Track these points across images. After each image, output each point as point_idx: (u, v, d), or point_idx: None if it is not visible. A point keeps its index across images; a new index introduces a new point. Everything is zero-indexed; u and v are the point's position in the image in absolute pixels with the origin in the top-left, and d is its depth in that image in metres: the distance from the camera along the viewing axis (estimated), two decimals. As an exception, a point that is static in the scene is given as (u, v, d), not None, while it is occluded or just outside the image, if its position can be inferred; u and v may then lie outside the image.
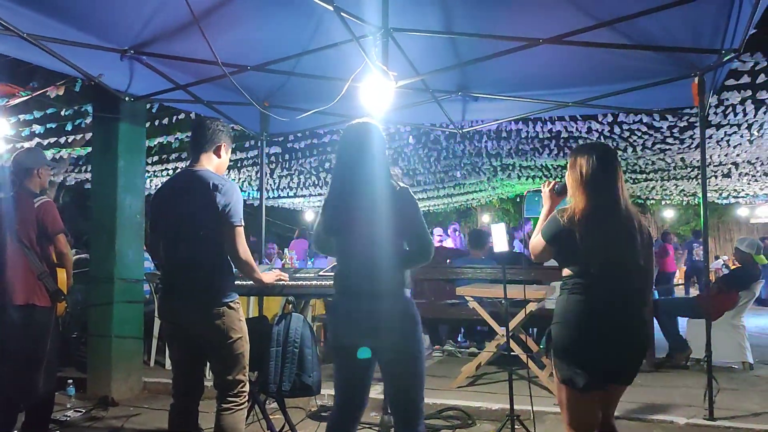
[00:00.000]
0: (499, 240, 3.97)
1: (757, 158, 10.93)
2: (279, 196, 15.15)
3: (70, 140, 8.93)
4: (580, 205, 2.54)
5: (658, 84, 4.57)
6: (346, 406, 2.70)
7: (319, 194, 15.11)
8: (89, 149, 8.17)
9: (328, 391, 4.64)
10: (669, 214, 23.63)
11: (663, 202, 19.64)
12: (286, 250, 10.34)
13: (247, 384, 3.03)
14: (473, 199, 18.86)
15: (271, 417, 3.79)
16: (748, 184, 13.93)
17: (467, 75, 5.01)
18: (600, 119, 8.46)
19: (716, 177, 12.76)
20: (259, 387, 3.65)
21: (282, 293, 3.90)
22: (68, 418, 4.57)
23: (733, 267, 10.32)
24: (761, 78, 6.23)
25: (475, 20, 4.21)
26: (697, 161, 10.50)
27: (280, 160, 11.39)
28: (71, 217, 11.21)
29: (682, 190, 15.48)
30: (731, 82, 6.29)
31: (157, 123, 8.22)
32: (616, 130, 8.88)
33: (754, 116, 7.71)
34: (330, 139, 9.82)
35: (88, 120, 7.71)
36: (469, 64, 4.49)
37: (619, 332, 2.50)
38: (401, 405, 2.60)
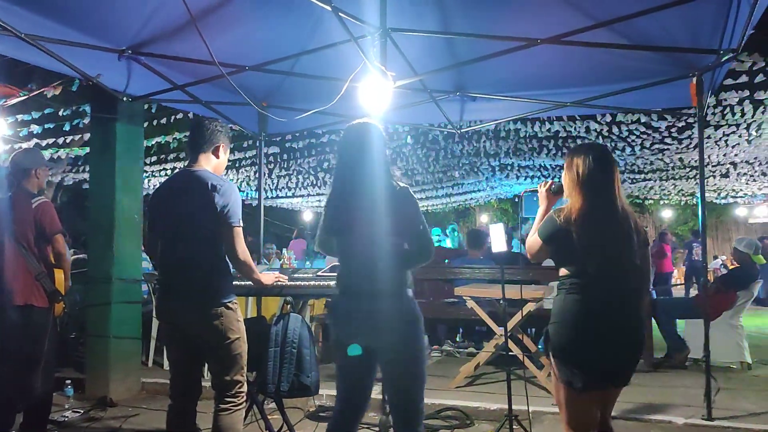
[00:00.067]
0: (498, 240, 3.97)
1: (755, 158, 10.96)
2: (277, 196, 15.15)
3: (68, 140, 8.91)
4: (576, 205, 2.54)
5: (656, 84, 4.57)
6: (348, 406, 2.70)
7: (318, 194, 15.11)
8: (87, 149, 8.17)
9: (326, 392, 4.65)
10: (667, 214, 23.65)
11: (661, 202, 19.65)
12: (284, 251, 10.34)
13: (245, 384, 3.03)
14: (472, 199, 18.87)
15: (269, 417, 3.79)
16: (747, 184, 13.95)
17: (465, 75, 5.01)
18: (599, 119, 8.47)
19: (714, 177, 12.78)
20: (258, 387, 3.65)
21: (280, 294, 3.90)
22: (66, 419, 4.56)
23: (731, 267, 10.32)
24: (759, 78, 6.24)
25: (473, 20, 4.21)
26: (696, 161, 10.49)
27: (279, 160, 11.39)
28: (69, 217, 11.20)
29: (681, 190, 15.49)
30: (729, 81, 6.30)
31: (155, 123, 8.22)
32: (615, 129, 8.89)
33: (753, 116, 7.72)
34: (329, 139, 9.82)
35: (86, 120, 7.71)
36: (467, 64, 4.49)
37: (617, 332, 2.50)
38: (401, 405, 2.60)
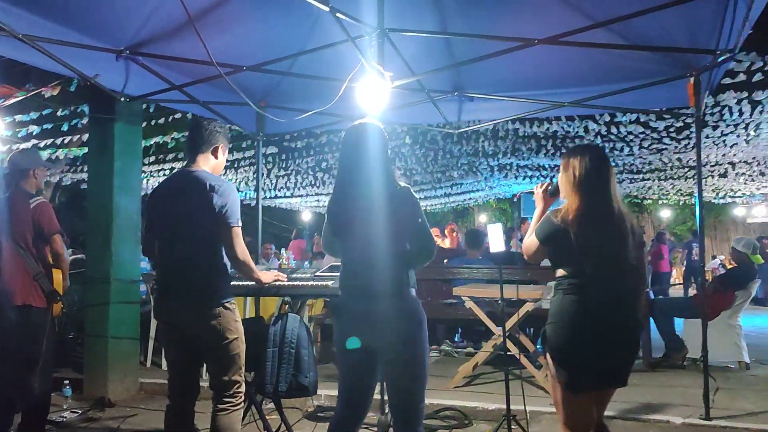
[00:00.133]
0: (496, 240, 3.97)
1: (753, 158, 10.98)
2: (276, 197, 15.16)
3: (66, 141, 8.92)
4: (573, 206, 2.55)
5: (654, 84, 4.57)
6: (350, 407, 2.68)
7: (317, 194, 15.12)
8: (85, 149, 8.16)
9: (324, 392, 4.66)
10: (666, 213, 23.70)
11: (660, 202, 19.68)
12: (283, 250, 10.35)
13: (243, 384, 3.03)
14: (470, 199, 18.88)
15: (267, 417, 3.79)
16: (745, 183, 13.98)
17: (463, 75, 5.01)
18: (597, 119, 8.48)
19: (713, 177, 12.81)
20: (256, 387, 3.65)
21: (278, 294, 3.90)
22: (64, 419, 4.55)
23: (729, 267, 10.34)
24: (758, 77, 6.24)
25: (470, 20, 4.21)
26: (694, 161, 10.53)
27: (277, 160, 11.39)
28: (67, 217, 11.20)
29: (679, 189, 15.52)
30: (728, 81, 6.30)
31: (153, 123, 8.22)
32: (613, 129, 8.89)
33: (751, 116, 7.73)
34: (327, 140, 9.82)
35: (85, 120, 7.70)
36: (464, 64, 4.49)
37: (614, 332, 2.51)
38: (401, 405, 2.59)
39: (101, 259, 5.22)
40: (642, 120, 8.37)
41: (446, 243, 9.51)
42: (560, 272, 2.61)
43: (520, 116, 6.19)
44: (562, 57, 4.45)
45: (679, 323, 6.30)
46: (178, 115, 8.35)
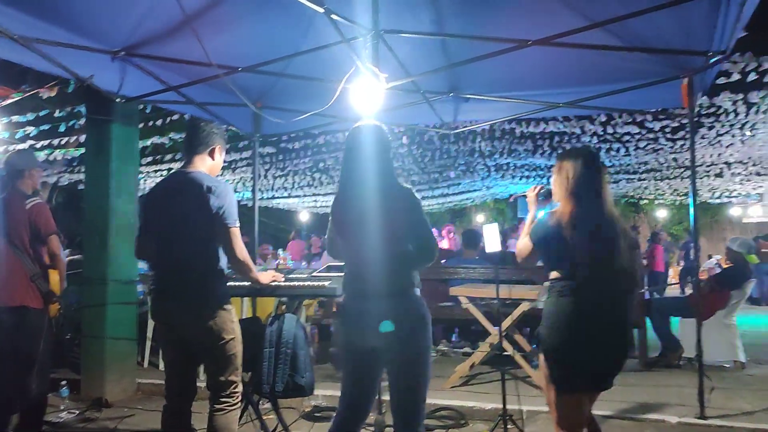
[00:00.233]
0: (492, 240, 3.98)
1: (749, 158, 11.01)
2: (274, 197, 15.16)
3: (63, 142, 8.91)
4: (566, 209, 2.58)
5: (649, 85, 4.58)
6: (352, 408, 2.68)
7: (314, 194, 15.13)
8: (83, 150, 8.16)
9: (321, 392, 4.67)
10: (662, 213, 23.75)
11: (656, 202, 19.72)
12: (280, 251, 10.35)
13: (240, 385, 3.04)
14: (467, 199, 18.90)
15: (264, 417, 3.80)
16: (741, 183, 14.02)
17: (459, 76, 5.02)
18: (594, 118, 8.49)
19: (709, 177, 12.84)
20: (253, 388, 3.66)
21: (275, 294, 3.91)
22: (61, 420, 4.56)
23: (725, 266, 10.37)
24: (752, 77, 6.26)
25: (466, 22, 4.22)
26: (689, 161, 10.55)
27: (274, 160, 11.39)
28: (65, 218, 11.17)
29: (675, 189, 15.56)
30: (723, 81, 6.32)
31: (150, 124, 8.21)
32: (610, 130, 8.91)
33: (746, 116, 7.76)
34: (325, 140, 9.82)
35: (82, 121, 7.70)
36: (459, 65, 4.49)
37: (608, 333, 2.53)
38: (402, 405, 2.60)
39: (98, 260, 5.23)
40: (638, 120, 8.39)
41: (444, 244, 9.54)
42: (554, 274, 2.63)
43: (516, 117, 6.20)
44: (557, 58, 4.46)
45: (675, 323, 6.32)
46: (175, 116, 8.34)
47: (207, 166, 3.10)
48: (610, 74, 4.64)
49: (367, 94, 3.62)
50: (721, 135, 8.86)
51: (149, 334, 6.02)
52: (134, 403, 5.11)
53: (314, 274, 3.82)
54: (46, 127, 8.23)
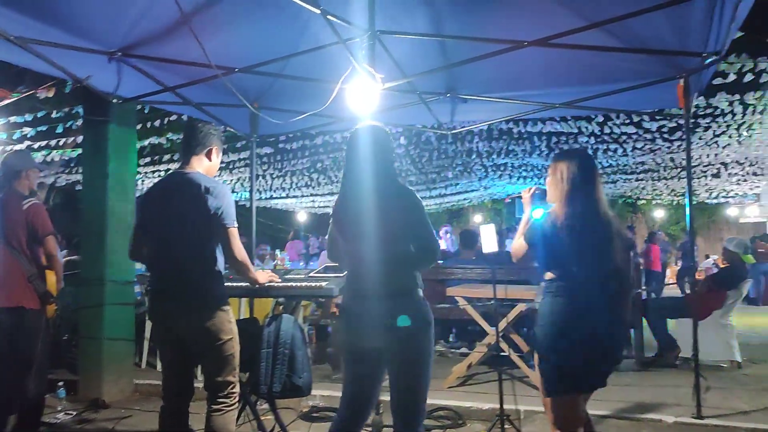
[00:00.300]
0: (488, 241, 3.98)
1: (745, 158, 11.03)
2: (271, 197, 15.16)
3: (60, 142, 8.91)
4: (561, 210, 2.59)
5: (646, 85, 4.59)
6: (353, 408, 2.69)
7: (312, 195, 15.12)
8: (80, 151, 8.16)
9: (318, 392, 4.67)
10: (659, 213, 23.79)
11: (653, 202, 19.75)
12: (278, 251, 10.36)
13: (238, 385, 3.04)
14: (465, 199, 18.91)
15: (262, 418, 3.80)
16: (738, 184, 14.05)
17: (456, 76, 5.02)
18: (592, 118, 8.50)
19: (706, 177, 12.86)
20: (250, 388, 3.66)
21: (272, 294, 3.91)
22: (59, 421, 4.56)
23: (721, 266, 10.40)
24: (749, 77, 6.28)
25: (462, 22, 4.22)
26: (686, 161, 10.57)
27: (272, 160, 11.40)
28: (62, 218, 11.16)
29: (673, 190, 15.58)
30: (720, 81, 6.33)
31: (148, 125, 8.21)
32: (607, 130, 8.93)
33: (743, 117, 7.78)
34: (322, 141, 9.83)
35: (79, 122, 7.70)
36: (456, 65, 4.49)
37: (602, 334, 2.54)
38: (402, 405, 2.60)
39: (96, 261, 5.22)
40: (635, 120, 8.40)
41: (442, 244, 9.55)
42: (549, 275, 2.64)
43: (513, 117, 6.20)
44: (554, 58, 4.46)
45: (671, 322, 6.33)
46: (173, 117, 8.35)
47: (204, 166, 3.10)
48: (607, 75, 4.65)
49: (364, 95, 3.62)
50: (718, 135, 8.89)
51: (147, 334, 6.01)
52: (132, 403, 5.11)
53: (311, 274, 3.82)
54: (43, 127, 8.23)
